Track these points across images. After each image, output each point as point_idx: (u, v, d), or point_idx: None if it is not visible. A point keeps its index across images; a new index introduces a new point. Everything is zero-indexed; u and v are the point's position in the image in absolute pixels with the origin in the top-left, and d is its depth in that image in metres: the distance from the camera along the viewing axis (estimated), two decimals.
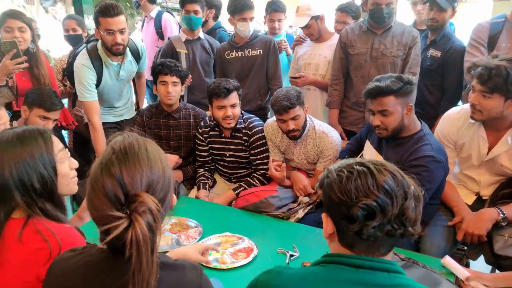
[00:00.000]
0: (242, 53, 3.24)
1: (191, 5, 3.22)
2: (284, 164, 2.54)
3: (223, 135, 2.71)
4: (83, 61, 2.68)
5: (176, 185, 2.49)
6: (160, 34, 4.26)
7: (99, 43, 2.69)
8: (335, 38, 3.15)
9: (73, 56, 2.84)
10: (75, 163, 1.39)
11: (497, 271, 2.01)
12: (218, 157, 2.79)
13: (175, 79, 2.69)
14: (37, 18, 11.95)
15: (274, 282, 0.98)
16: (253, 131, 2.67)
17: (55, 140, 1.30)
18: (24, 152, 1.20)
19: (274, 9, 3.52)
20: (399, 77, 2.01)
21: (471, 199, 2.22)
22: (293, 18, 3.31)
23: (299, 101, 2.39)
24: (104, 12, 2.50)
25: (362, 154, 2.40)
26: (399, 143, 2.11)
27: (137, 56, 2.90)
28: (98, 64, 2.70)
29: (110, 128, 2.98)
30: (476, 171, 2.20)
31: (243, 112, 2.74)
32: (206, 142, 2.77)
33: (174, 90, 2.70)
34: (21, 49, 2.46)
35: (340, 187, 0.96)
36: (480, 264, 2.14)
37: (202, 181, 2.76)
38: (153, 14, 4.30)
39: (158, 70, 2.70)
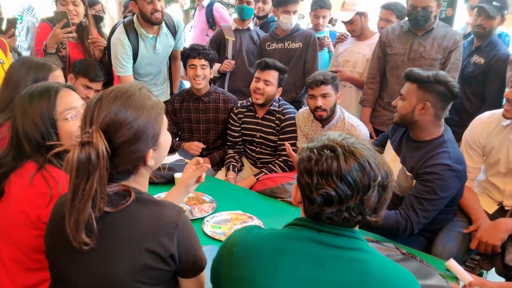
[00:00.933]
0: (282, 45, 3.30)
1: None
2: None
3: (256, 115, 2.81)
4: (119, 35, 2.78)
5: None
6: (211, 23, 4.38)
7: (135, 17, 2.79)
8: (376, 37, 3.15)
9: (111, 32, 2.97)
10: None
11: None
12: (249, 138, 2.88)
13: (203, 61, 2.78)
14: (106, 8, 12.60)
15: (243, 237, 1.05)
16: (286, 117, 2.75)
17: (68, 98, 1.42)
18: (30, 110, 1.35)
19: (320, 5, 3.54)
20: (436, 74, 1.93)
21: (492, 208, 2.15)
22: (338, 12, 3.33)
23: (333, 82, 2.46)
24: None
25: (382, 155, 2.39)
26: (418, 146, 2.06)
27: (173, 29, 2.96)
28: (134, 37, 2.79)
29: None
30: (502, 179, 2.13)
31: (281, 99, 2.84)
32: (240, 122, 2.87)
33: (202, 73, 2.79)
34: (73, 22, 2.66)
35: (306, 168, 0.97)
36: (494, 276, 2.08)
37: (232, 163, 2.86)
38: (205, 3, 4.44)
39: (187, 54, 2.81)
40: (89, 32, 2.85)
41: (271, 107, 2.75)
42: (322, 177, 0.94)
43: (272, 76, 2.65)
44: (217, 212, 2.04)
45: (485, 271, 2.13)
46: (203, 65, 2.79)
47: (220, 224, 1.93)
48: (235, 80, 3.53)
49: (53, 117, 1.37)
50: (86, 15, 2.82)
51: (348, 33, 3.35)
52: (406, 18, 2.91)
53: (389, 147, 2.29)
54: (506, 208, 2.13)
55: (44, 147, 1.34)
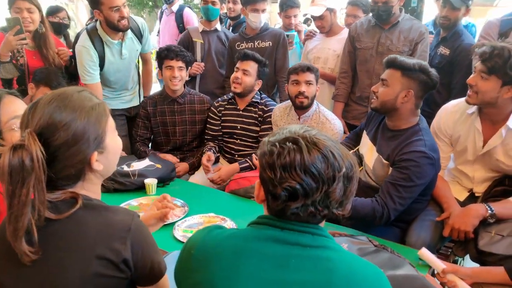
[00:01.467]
0: (252, 44, 3.28)
1: None
2: None
3: (238, 107, 2.84)
4: (83, 43, 2.73)
5: (170, 169, 2.55)
6: (181, 28, 4.34)
7: (98, 24, 2.74)
8: (345, 32, 3.19)
9: (75, 41, 2.92)
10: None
11: None
12: (229, 130, 2.87)
13: (180, 63, 2.77)
14: (76, 12, 12.48)
15: (203, 239, 1.01)
16: (268, 108, 2.79)
17: (11, 106, 1.34)
18: None
19: (290, 5, 3.55)
20: (420, 63, 1.97)
21: (463, 195, 2.17)
22: (309, 7, 3.35)
23: (316, 73, 2.52)
24: None
25: (357, 148, 2.39)
26: (394, 135, 2.08)
27: (138, 33, 2.92)
28: (99, 44, 2.75)
29: (119, 116, 3.06)
30: (471, 167, 2.15)
31: (261, 93, 2.88)
32: (220, 115, 2.88)
33: (179, 75, 2.77)
34: (29, 30, 2.59)
35: (269, 162, 0.94)
36: (469, 262, 2.09)
37: (212, 149, 2.85)
38: (174, 8, 4.40)
39: (164, 55, 2.78)
40: (47, 39, 2.77)
41: (253, 99, 2.79)
42: (285, 170, 0.91)
43: (251, 66, 2.70)
44: (189, 216, 2.01)
45: (460, 258, 2.14)
46: (180, 66, 2.78)
47: (191, 228, 1.90)
48: (206, 82, 3.50)
49: None
50: (42, 22, 2.75)
51: (316, 29, 3.36)
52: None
53: (365, 137, 2.31)
54: (476, 194, 2.15)
55: None
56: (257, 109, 2.81)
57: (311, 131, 0.98)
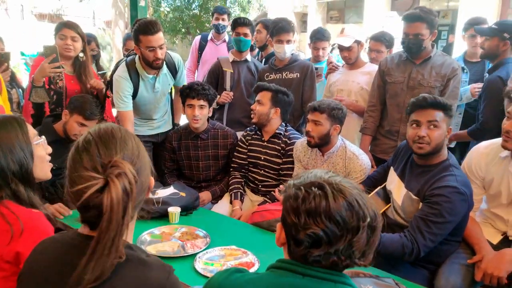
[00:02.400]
0: (280, 75, 3.31)
1: (241, 28, 3.43)
2: None
3: (262, 138, 2.86)
4: (121, 73, 2.83)
5: (194, 198, 2.54)
6: None
7: (137, 57, 2.85)
8: (368, 67, 3.24)
9: (114, 69, 3.02)
10: (49, 148, 1.50)
11: None
12: (253, 161, 2.88)
13: (202, 102, 2.79)
14: (113, 37, 12.98)
15: (222, 282, 0.99)
16: (291, 141, 2.79)
17: (29, 126, 1.42)
18: (2, 137, 1.32)
19: (319, 38, 3.60)
20: (442, 99, 2.01)
21: (497, 238, 2.07)
22: (337, 38, 3.37)
23: (330, 112, 2.43)
24: (145, 30, 2.64)
25: (385, 185, 2.34)
26: (424, 171, 2.04)
27: (173, 69, 3.01)
28: (135, 77, 2.84)
29: (145, 142, 3.09)
30: (505, 210, 2.06)
31: (287, 124, 2.91)
32: (247, 144, 2.92)
33: (200, 113, 2.80)
34: (69, 56, 2.74)
35: (293, 206, 0.93)
36: None
37: (240, 191, 2.86)
38: (226, 37, 4.45)
39: (186, 94, 2.83)
40: (86, 68, 2.90)
41: (277, 131, 2.81)
42: (310, 216, 0.90)
43: (263, 95, 2.76)
44: (210, 248, 1.98)
45: None
46: (202, 105, 2.80)
47: (213, 260, 1.87)
48: (234, 111, 3.53)
49: (30, 141, 1.37)
50: (84, 51, 2.88)
51: (338, 64, 3.38)
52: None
53: (392, 173, 2.26)
54: (510, 238, 2.05)
55: (18, 176, 1.31)
56: (280, 141, 2.81)
57: (336, 178, 0.97)
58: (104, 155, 0.95)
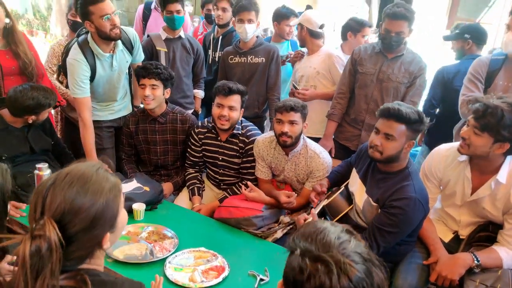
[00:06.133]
0: (245, 59, 3.23)
1: (172, 5, 3.15)
2: (294, 195, 2.49)
3: (218, 138, 2.72)
4: (75, 56, 2.63)
5: (158, 192, 2.49)
6: None
7: (89, 36, 2.64)
8: (322, 51, 3.21)
9: (65, 52, 2.80)
10: None
11: None
12: (211, 160, 2.79)
13: (154, 81, 2.64)
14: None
15: None
16: (250, 140, 2.68)
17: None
18: None
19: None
20: (419, 113, 1.98)
21: (448, 237, 2.21)
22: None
23: (302, 111, 2.43)
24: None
25: (348, 183, 2.39)
26: (384, 177, 2.09)
27: (129, 45, 2.83)
28: (91, 57, 2.65)
29: (107, 127, 2.96)
30: (457, 211, 2.20)
31: (242, 119, 2.75)
32: (200, 143, 2.77)
33: (152, 93, 2.66)
34: None
35: (296, 280, 0.90)
36: None
37: (196, 185, 2.78)
38: None
39: (139, 74, 2.69)
40: (14, 35, 2.67)
41: (234, 131, 2.66)
42: None
43: (235, 100, 2.57)
44: (179, 251, 1.97)
45: None
46: (154, 85, 2.65)
47: (182, 266, 1.87)
48: (171, 92, 3.39)
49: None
50: (7, 16, 2.62)
51: (303, 50, 3.36)
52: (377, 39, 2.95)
53: (354, 174, 2.31)
54: (461, 237, 2.20)
55: None
56: (238, 141, 2.69)
57: (346, 249, 0.93)
58: (47, 204, 0.95)
